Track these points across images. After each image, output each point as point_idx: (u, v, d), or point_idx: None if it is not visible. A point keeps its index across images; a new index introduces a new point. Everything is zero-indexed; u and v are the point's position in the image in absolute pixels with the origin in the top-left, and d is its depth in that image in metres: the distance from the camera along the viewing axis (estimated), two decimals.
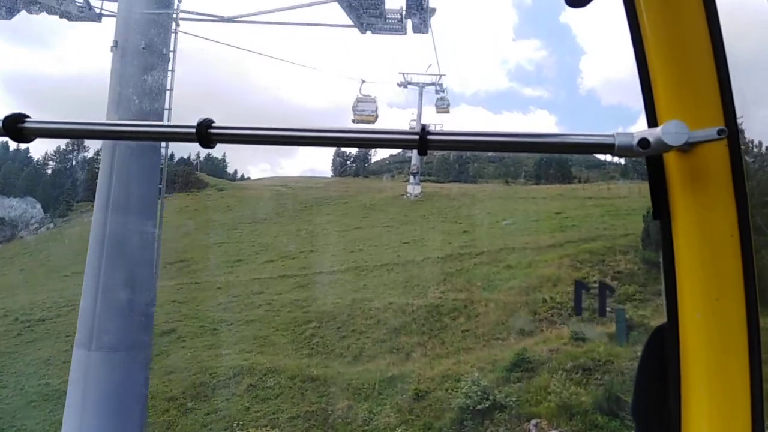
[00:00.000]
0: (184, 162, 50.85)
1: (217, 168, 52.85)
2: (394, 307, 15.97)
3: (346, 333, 14.93)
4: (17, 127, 1.21)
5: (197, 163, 50.20)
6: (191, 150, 51.84)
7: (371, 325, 15.04)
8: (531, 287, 15.09)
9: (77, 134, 1.30)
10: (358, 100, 32.39)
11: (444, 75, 37.15)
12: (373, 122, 30.46)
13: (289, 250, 25.69)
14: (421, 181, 39.26)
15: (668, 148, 1.01)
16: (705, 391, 1.12)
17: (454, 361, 12.18)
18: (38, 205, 36.90)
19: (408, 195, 35.53)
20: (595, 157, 54.33)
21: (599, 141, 1.08)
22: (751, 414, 1.10)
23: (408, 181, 37.99)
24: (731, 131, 1.04)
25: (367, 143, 1.21)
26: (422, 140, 1.11)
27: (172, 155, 50.85)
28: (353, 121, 30.84)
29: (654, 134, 1.01)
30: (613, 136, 1.06)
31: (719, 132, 1.00)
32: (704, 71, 1.09)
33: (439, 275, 18.04)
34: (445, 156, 52.19)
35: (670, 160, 1.11)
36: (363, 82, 32.57)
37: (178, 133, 1.28)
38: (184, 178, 43.64)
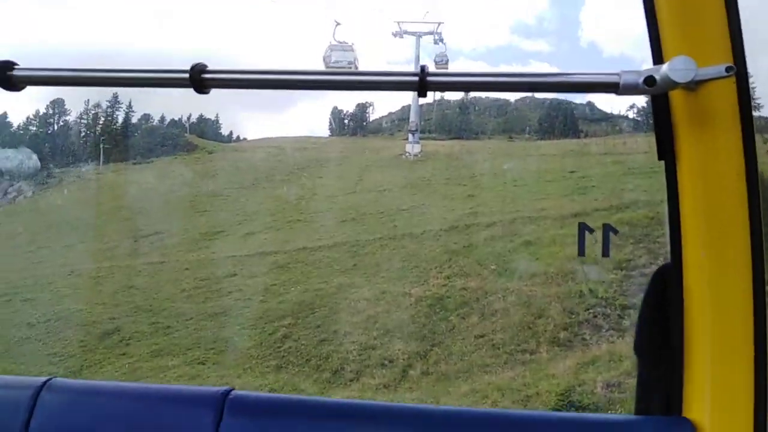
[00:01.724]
0: (176, 124, 46.51)
1: (210, 129, 48.35)
2: (387, 297, 12.17)
3: (327, 335, 11.17)
4: (6, 75, 1.15)
5: (188, 124, 45.87)
6: (183, 112, 47.25)
7: (358, 324, 11.26)
8: (561, 273, 11.21)
9: (67, 81, 1.23)
10: (331, 48, 26.06)
11: (443, 23, 32.13)
12: None
13: (275, 220, 21.81)
14: (421, 138, 35.08)
15: (675, 85, 0.95)
16: (708, 328, 1.08)
17: (467, 388, 8.41)
18: (34, 156, 33.86)
19: (407, 155, 31.24)
20: (601, 110, 49.77)
21: (603, 80, 1.01)
22: (754, 350, 1.05)
23: (407, 139, 33.72)
24: (739, 68, 0.97)
25: (364, 85, 1.17)
26: (422, 81, 1.04)
27: (162, 117, 46.49)
28: None
29: (660, 71, 0.95)
30: (618, 74, 0.99)
31: (727, 69, 0.93)
32: (712, 5, 1.02)
33: (442, 253, 14.16)
34: (445, 112, 47.63)
35: (676, 98, 1.05)
36: (337, 24, 26.04)
37: (171, 79, 1.16)
38: (173, 141, 39.52)
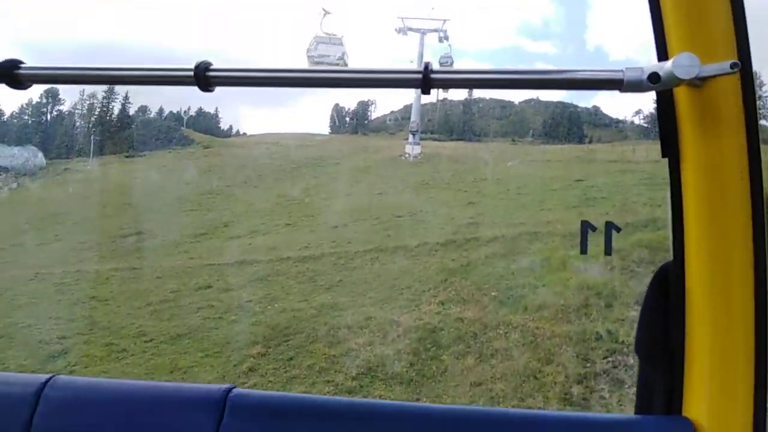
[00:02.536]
0: (174, 117, 44.74)
1: (209, 123, 46.56)
2: (372, 325, 10.39)
3: (299, 370, 9.36)
4: (12, 73, 1.13)
5: (186, 118, 44.08)
6: (182, 104, 45.38)
7: (336, 359, 9.46)
8: (573, 307, 9.42)
9: (73, 79, 1.19)
10: (316, 41, 22.37)
11: (448, 20, 30.24)
12: None
13: (263, 223, 20.06)
14: (422, 139, 33.34)
15: (679, 81, 0.92)
16: (709, 328, 1.06)
17: None
18: (40, 154, 32.72)
19: (406, 156, 29.42)
20: (607, 115, 48.00)
21: (607, 76, 0.98)
22: (755, 350, 1.03)
23: (407, 140, 31.83)
24: (744, 65, 0.95)
25: (366, 83, 1.11)
26: (425, 78, 1.02)
27: (161, 109, 44.69)
28: None
29: (664, 68, 0.92)
30: (621, 71, 0.96)
31: (732, 66, 0.91)
32: (717, 1, 1.00)
33: (437, 273, 12.37)
34: (447, 113, 45.71)
35: (681, 95, 1.03)
36: (326, 13, 22.13)
37: (176, 77, 1.15)
38: (168, 134, 37.82)
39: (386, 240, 15.87)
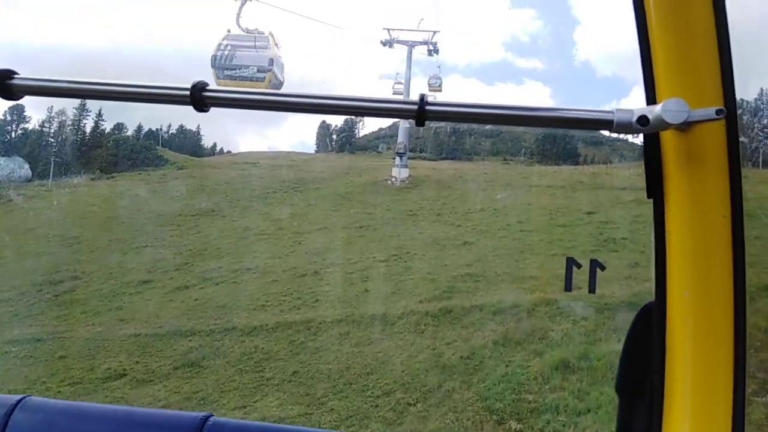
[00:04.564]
0: (152, 135, 40.58)
1: (190, 141, 42.34)
2: None
3: None
4: (5, 83, 1.07)
5: (164, 136, 39.92)
6: (162, 121, 41.24)
7: None
8: None
9: (67, 92, 1.10)
10: (229, 43, 14.07)
11: (438, 32, 26.45)
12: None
13: (219, 267, 15.92)
14: (411, 158, 29.54)
15: (667, 126, 0.91)
16: (689, 367, 1.03)
17: None
18: (26, 166, 29.15)
19: (393, 180, 25.47)
20: (599, 133, 44.27)
21: (598, 117, 0.98)
22: (733, 393, 1.00)
23: (394, 161, 27.82)
24: (729, 111, 0.95)
25: (361, 111, 1.11)
26: (420, 110, 1.00)
27: (140, 127, 40.54)
28: None
29: (653, 111, 0.92)
30: (612, 112, 0.95)
31: (718, 112, 0.91)
32: (706, 49, 0.98)
33: (428, 369, 8.36)
34: (437, 131, 41.95)
35: (667, 138, 1.01)
36: (245, 2, 13.66)
37: (171, 95, 1.10)
38: (141, 155, 33.66)
39: (362, 299, 11.87)
